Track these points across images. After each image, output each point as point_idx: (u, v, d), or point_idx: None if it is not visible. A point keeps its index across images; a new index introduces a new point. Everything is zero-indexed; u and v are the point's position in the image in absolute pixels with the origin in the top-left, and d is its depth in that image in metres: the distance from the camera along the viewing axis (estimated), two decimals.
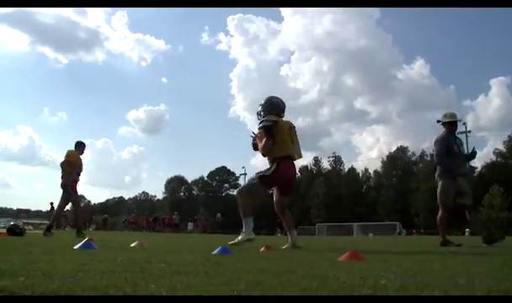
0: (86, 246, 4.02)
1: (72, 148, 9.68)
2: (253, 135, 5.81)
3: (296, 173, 5.70)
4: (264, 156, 5.48)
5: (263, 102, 5.68)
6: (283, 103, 5.74)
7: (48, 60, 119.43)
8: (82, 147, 9.84)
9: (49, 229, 9.05)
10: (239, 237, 5.29)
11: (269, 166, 5.46)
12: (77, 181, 9.49)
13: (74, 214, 10.00)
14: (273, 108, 5.57)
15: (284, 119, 5.62)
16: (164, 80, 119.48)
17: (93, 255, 3.00)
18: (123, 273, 1.85)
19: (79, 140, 9.88)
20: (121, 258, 2.69)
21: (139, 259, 2.70)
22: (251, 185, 5.52)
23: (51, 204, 32.23)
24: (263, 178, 5.35)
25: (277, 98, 5.76)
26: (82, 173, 9.79)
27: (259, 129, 5.46)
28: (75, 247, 3.91)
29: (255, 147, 5.70)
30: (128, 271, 1.94)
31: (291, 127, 5.56)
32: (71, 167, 9.36)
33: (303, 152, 5.79)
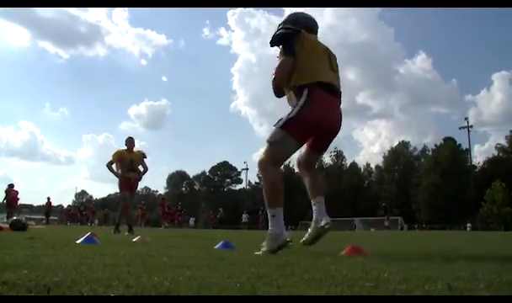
0: (88, 240, 4.03)
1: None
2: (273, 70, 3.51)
3: (341, 116, 3.48)
4: (278, 84, 3.43)
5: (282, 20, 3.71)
6: (314, 21, 3.73)
7: (49, 55, 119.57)
8: (127, 143, 9.67)
9: (130, 227, 9.22)
10: (264, 244, 3.15)
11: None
12: (129, 178, 9.38)
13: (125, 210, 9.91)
14: (298, 24, 3.53)
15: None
16: (165, 75, 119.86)
17: (95, 249, 3.01)
18: (125, 267, 1.85)
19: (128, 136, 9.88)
20: (124, 253, 2.69)
21: (141, 253, 2.71)
22: (272, 145, 3.27)
23: (48, 198, 32.53)
24: (289, 124, 3.22)
25: (304, 13, 3.74)
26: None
27: (270, 42, 3.50)
28: (77, 242, 3.92)
29: (278, 88, 3.52)
30: (130, 265, 1.95)
31: (330, 52, 3.53)
32: (117, 166, 9.39)
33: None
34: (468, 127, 48.50)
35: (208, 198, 74.91)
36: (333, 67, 3.46)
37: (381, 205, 38.28)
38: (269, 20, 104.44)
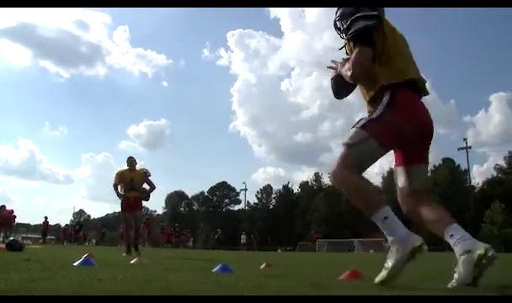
0: (85, 262, 4.00)
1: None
2: (332, 64, 3.09)
3: (431, 119, 2.85)
4: (355, 80, 2.83)
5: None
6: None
7: (49, 74, 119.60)
8: (128, 163, 9.61)
9: (129, 249, 9.02)
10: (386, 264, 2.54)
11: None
12: (128, 198, 9.30)
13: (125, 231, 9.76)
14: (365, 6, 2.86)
15: None
16: (165, 95, 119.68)
17: (93, 273, 2.98)
18: (123, 294, 1.83)
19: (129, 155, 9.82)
20: (121, 277, 2.67)
21: (139, 277, 2.68)
22: (351, 148, 2.68)
23: (45, 218, 32.16)
24: (372, 125, 2.67)
25: None
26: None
27: (347, 38, 2.88)
28: (75, 264, 3.89)
29: (338, 87, 3.09)
30: (128, 291, 1.93)
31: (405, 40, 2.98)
32: (121, 186, 9.38)
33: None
34: (467, 148, 48.52)
35: (206, 218, 74.57)
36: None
37: None
38: (268, 41, 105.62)
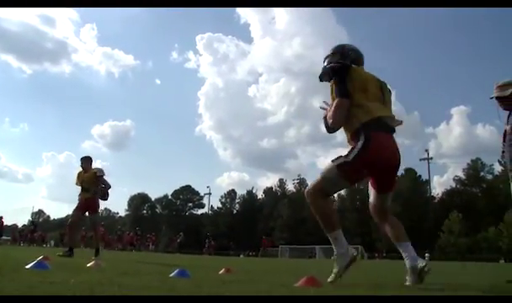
0: (39, 265, 3.88)
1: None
2: (324, 105, 3.73)
3: (398, 150, 3.42)
4: (335, 126, 3.50)
5: (329, 52, 3.68)
6: (360, 53, 3.69)
7: (11, 69, 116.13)
8: (82, 162, 9.38)
9: (70, 250, 8.68)
10: (334, 270, 3.47)
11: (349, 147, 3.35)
12: (82, 198, 9.09)
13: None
14: (346, 57, 3.58)
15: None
16: (131, 95, 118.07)
17: (45, 276, 2.90)
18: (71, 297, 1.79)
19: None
20: (74, 280, 2.61)
21: (92, 282, 2.62)
22: (324, 180, 3.38)
23: (1, 217, 31.00)
24: (344, 166, 3.27)
25: (351, 45, 3.73)
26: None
27: (323, 79, 3.53)
28: (27, 267, 3.78)
29: (328, 125, 3.64)
30: (77, 295, 1.89)
31: (382, 83, 3.53)
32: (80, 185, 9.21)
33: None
34: (428, 159, 49.95)
35: (169, 221, 73.90)
36: (386, 100, 3.48)
37: None
38: (237, 46, 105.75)
